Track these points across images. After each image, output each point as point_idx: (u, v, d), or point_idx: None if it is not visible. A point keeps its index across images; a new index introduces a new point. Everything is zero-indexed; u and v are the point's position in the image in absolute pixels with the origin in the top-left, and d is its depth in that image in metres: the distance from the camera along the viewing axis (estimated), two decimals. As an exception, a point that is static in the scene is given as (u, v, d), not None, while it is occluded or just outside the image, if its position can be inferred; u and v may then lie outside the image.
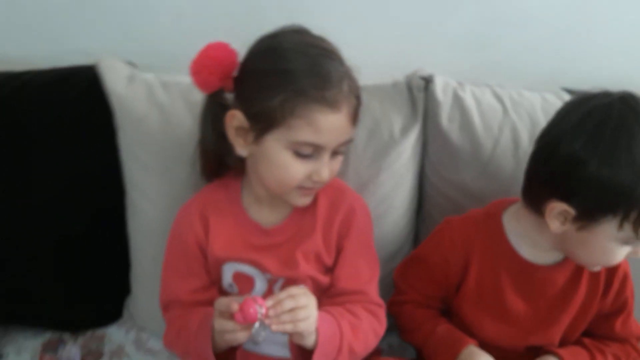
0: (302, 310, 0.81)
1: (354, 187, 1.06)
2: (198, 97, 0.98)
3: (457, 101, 1.09)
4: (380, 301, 0.97)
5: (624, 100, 0.81)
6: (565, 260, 0.94)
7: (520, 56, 1.27)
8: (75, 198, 1.11)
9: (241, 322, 0.78)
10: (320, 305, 0.92)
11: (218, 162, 0.96)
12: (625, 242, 0.82)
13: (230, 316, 0.79)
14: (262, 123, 0.84)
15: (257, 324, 0.79)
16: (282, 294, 0.81)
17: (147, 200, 1.09)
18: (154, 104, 1.06)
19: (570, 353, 0.94)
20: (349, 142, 0.89)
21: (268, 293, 0.94)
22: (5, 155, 1.08)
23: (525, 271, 0.94)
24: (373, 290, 0.96)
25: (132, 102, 1.06)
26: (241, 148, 0.89)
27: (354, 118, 0.88)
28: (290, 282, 0.93)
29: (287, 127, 0.83)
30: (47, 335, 1.17)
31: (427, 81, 1.11)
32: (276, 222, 0.95)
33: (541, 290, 0.94)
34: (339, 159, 0.91)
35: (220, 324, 0.82)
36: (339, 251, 0.95)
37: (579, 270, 0.94)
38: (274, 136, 0.84)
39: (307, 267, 0.93)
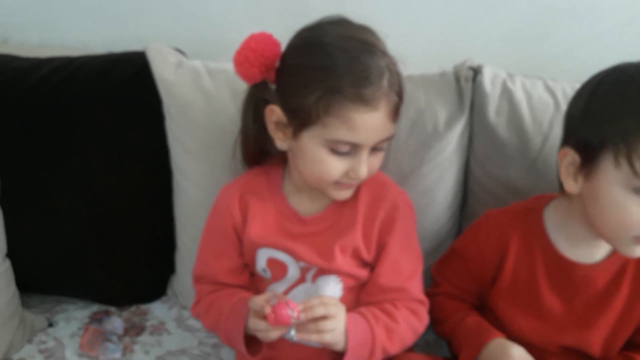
0: (330, 322, 0.83)
1: (395, 178, 1.05)
2: (242, 85, 0.98)
3: (506, 93, 1.05)
4: (423, 297, 0.96)
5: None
6: (607, 260, 0.89)
7: (578, 49, 1.21)
8: (123, 178, 1.15)
9: (273, 324, 0.81)
10: (359, 303, 0.94)
11: (259, 150, 0.97)
12: (628, 186, 0.77)
13: (264, 316, 0.82)
14: (299, 119, 0.84)
15: (290, 327, 0.82)
16: (314, 300, 0.83)
17: (191, 182, 1.12)
18: (200, 91, 1.08)
19: None
20: (389, 139, 0.88)
21: (300, 280, 0.95)
22: (59, 134, 1.13)
23: (563, 268, 0.90)
24: (415, 287, 0.95)
25: (178, 88, 1.09)
26: (280, 142, 0.89)
27: (394, 115, 0.86)
28: (323, 272, 0.93)
29: (322, 125, 0.82)
30: (94, 308, 1.23)
31: (476, 72, 1.07)
32: (315, 211, 0.95)
33: (578, 289, 0.90)
34: (380, 155, 0.89)
35: (254, 323, 0.85)
36: (380, 248, 0.94)
37: (621, 271, 0.90)
38: (311, 133, 0.84)
39: (343, 261, 0.92)
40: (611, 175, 0.78)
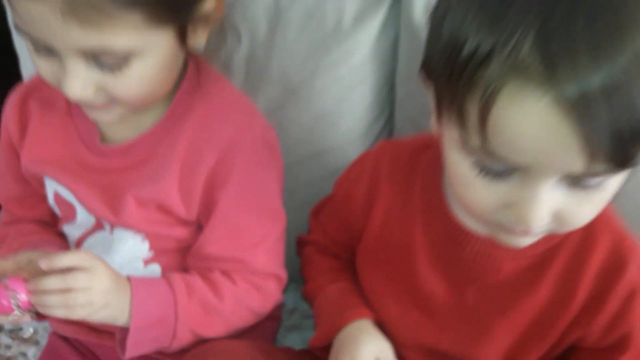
0: (79, 295, 0.58)
1: (277, 92, 0.77)
2: None
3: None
4: (274, 270, 0.70)
5: None
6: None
7: None
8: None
9: None
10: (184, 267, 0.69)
11: None
12: (462, 148, 0.48)
13: None
14: None
15: (17, 312, 0.58)
16: (49, 278, 0.57)
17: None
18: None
19: None
20: (104, 51, 0.55)
21: (98, 227, 0.70)
22: None
23: (453, 238, 0.60)
24: (262, 257, 0.68)
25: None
26: None
27: (80, 9, 0.53)
28: (113, 223, 0.68)
29: None
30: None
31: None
32: (122, 140, 0.67)
33: (472, 273, 0.60)
34: (131, 71, 0.57)
35: None
36: (208, 204, 0.66)
37: (543, 261, 0.59)
38: None
39: (139, 216, 0.66)
40: (447, 129, 0.50)
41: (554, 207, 0.47)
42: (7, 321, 0.61)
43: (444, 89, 0.48)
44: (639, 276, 0.58)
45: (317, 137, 0.79)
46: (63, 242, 0.73)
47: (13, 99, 0.71)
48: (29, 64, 0.84)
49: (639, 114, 0.41)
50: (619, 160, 0.43)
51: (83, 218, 0.69)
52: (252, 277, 0.67)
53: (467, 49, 0.44)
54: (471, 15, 0.45)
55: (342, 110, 0.78)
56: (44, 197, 0.73)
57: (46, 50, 0.57)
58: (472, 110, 0.45)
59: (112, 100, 0.59)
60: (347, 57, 0.75)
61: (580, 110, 0.41)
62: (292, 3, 0.74)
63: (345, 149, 0.80)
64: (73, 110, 0.68)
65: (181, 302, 0.64)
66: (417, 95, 0.75)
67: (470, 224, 0.60)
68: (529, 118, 0.43)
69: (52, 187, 0.70)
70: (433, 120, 0.53)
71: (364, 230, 0.66)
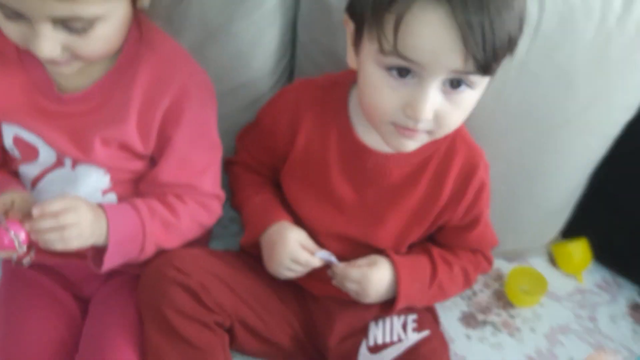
0: (73, 229, 0.69)
1: (197, 35, 0.86)
2: None
3: None
4: (218, 191, 0.84)
5: None
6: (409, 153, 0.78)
7: None
8: None
9: None
10: (138, 195, 0.80)
11: None
12: (381, 64, 0.67)
13: None
14: None
15: (18, 250, 0.68)
16: (45, 219, 0.68)
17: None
18: None
19: (408, 260, 0.84)
20: (73, 18, 0.63)
21: (58, 164, 0.78)
22: None
23: (357, 153, 0.80)
24: (208, 182, 0.82)
25: None
26: None
27: None
28: (81, 161, 0.77)
29: None
30: None
31: None
32: (78, 87, 0.75)
33: (371, 179, 0.81)
34: (95, 34, 0.66)
35: None
36: (163, 140, 0.77)
37: (421, 166, 0.80)
38: None
39: (105, 154, 0.76)
40: (367, 49, 0.68)
41: (436, 106, 0.67)
42: (5, 256, 0.69)
43: (368, 16, 0.65)
44: (485, 175, 0.82)
45: (233, 75, 0.91)
46: (19, 180, 0.80)
47: None
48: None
49: (497, 38, 0.62)
50: (482, 65, 0.64)
51: (45, 157, 0.77)
52: (200, 198, 0.81)
53: None
54: None
55: (255, 51, 0.90)
56: None
57: (16, 15, 0.63)
58: (388, 25, 0.63)
59: (74, 57, 0.67)
60: (260, 5, 0.86)
61: (462, 22, 0.61)
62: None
63: (256, 84, 0.94)
64: (24, 59, 0.73)
65: (146, 221, 0.76)
66: (319, 40, 0.90)
67: (370, 140, 0.79)
68: (429, 26, 0.62)
69: (11, 132, 0.76)
70: (349, 54, 0.71)
71: (289, 152, 0.82)
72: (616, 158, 0.99)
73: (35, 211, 0.67)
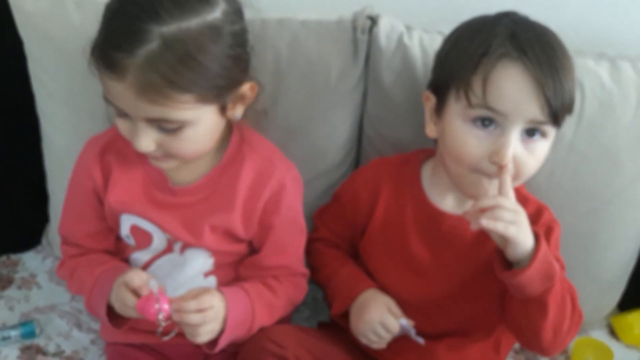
0: (211, 312, 0.78)
1: (281, 134, 0.97)
2: None
3: (401, 49, 0.96)
4: (305, 270, 0.93)
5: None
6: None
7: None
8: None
9: (140, 312, 0.76)
10: (237, 276, 0.90)
11: None
12: (466, 117, 0.80)
13: (135, 292, 0.77)
14: None
15: (159, 321, 0.76)
16: (191, 303, 0.76)
17: (56, 129, 1.03)
18: (63, 24, 0.95)
19: None
20: (167, 121, 0.75)
21: (167, 250, 0.88)
22: None
23: (432, 218, 0.88)
24: (298, 262, 0.92)
25: (38, 20, 0.95)
26: None
27: (151, 94, 0.72)
28: (190, 245, 0.87)
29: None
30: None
31: (374, 22, 0.98)
32: (189, 181, 0.86)
33: (448, 241, 0.88)
34: (181, 136, 0.77)
35: (123, 295, 0.78)
36: (264, 228, 0.88)
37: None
38: None
39: (213, 239, 0.86)
40: (453, 109, 0.81)
41: (516, 151, 0.78)
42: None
43: (455, 82, 0.79)
44: (551, 218, 0.89)
45: (310, 167, 1.00)
46: (129, 266, 0.89)
47: (91, 154, 0.87)
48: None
49: (566, 91, 0.76)
50: (554, 114, 0.76)
51: (157, 244, 0.87)
52: (293, 278, 0.90)
53: (471, 54, 0.78)
54: (466, 42, 0.81)
55: (328, 145, 1.02)
56: (112, 232, 0.89)
57: (123, 114, 0.76)
58: (476, 83, 0.77)
59: (168, 154, 0.79)
60: (333, 105, 0.99)
61: (537, 76, 0.75)
62: (289, 67, 0.97)
63: (329, 174, 1.04)
64: (142, 159, 0.85)
65: (256, 304, 0.84)
66: (383, 134, 1.02)
67: (443, 205, 0.88)
68: (509, 80, 0.76)
69: (129, 222, 0.87)
70: (429, 126, 0.86)
71: (368, 223, 0.91)
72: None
73: (189, 306, 0.76)
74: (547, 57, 0.76)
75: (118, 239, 0.91)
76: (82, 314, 1.05)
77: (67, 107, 0.99)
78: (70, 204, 0.92)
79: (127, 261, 0.91)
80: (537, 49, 0.76)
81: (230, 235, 0.87)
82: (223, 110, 0.80)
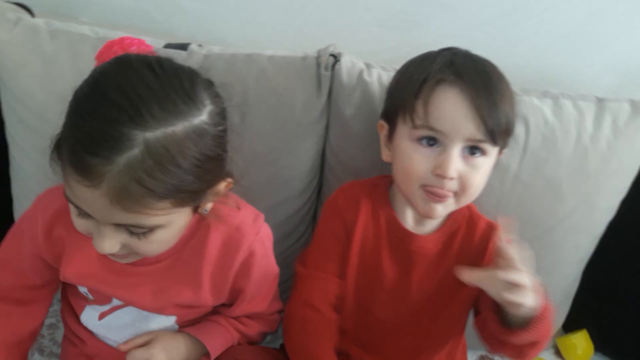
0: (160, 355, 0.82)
1: (247, 163, 1.00)
2: (85, 49, 0.95)
3: (361, 85, 1.03)
4: (278, 305, 0.96)
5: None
6: (438, 230, 0.93)
7: (447, 40, 1.20)
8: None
9: None
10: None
11: None
12: (412, 137, 0.86)
13: None
14: None
15: None
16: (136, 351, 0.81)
17: (25, 156, 1.03)
18: (35, 52, 0.98)
19: None
20: (136, 226, 0.69)
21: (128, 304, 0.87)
22: None
23: (403, 239, 0.93)
24: (271, 303, 0.94)
25: (12, 48, 0.98)
26: None
27: (124, 199, 0.65)
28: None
29: None
30: None
31: (337, 59, 1.04)
32: None
33: (415, 260, 0.93)
34: (152, 238, 0.71)
35: None
36: (234, 292, 0.87)
37: (449, 240, 0.93)
38: None
39: (177, 311, 0.87)
40: (401, 132, 0.87)
41: (459, 168, 0.83)
42: None
43: (401, 108, 0.86)
44: (488, 232, 0.93)
45: (272, 195, 1.06)
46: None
47: (41, 224, 0.80)
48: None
49: (500, 111, 0.82)
50: (490, 132, 0.82)
51: (118, 302, 0.86)
52: (266, 317, 0.94)
53: (414, 81, 0.85)
54: (410, 72, 0.88)
55: (291, 174, 1.06)
56: (47, 285, 0.88)
57: (86, 215, 0.68)
58: (419, 107, 0.83)
59: (132, 253, 0.74)
60: (297, 136, 1.04)
61: (472, 97, 0.81)
62: (257, 100, 1.01)
63: (291, 202, 1.09)
64: None
65: (232, 334, 0.89)
66: (344, 162, 1.07)
67: (411, 227, 0.92)
68: (447, 102, 0.82)
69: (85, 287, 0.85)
70: (384, 152, 0.92)
71: (348, 247, 0.92)
72: (606, 253, 1.14)
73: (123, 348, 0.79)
74: (482, 81, 0.83)
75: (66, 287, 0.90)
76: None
77: (36, 134, 1.00)
78: (4, 250, 0.86)
79: (82, 309, 0.89)
80: (472, 74, 0.83)
81: (199, 307, 0.88)
82: (196, 208, 0.77)
